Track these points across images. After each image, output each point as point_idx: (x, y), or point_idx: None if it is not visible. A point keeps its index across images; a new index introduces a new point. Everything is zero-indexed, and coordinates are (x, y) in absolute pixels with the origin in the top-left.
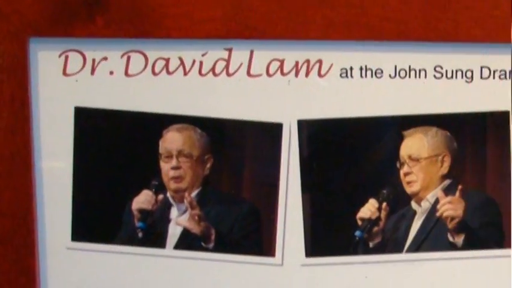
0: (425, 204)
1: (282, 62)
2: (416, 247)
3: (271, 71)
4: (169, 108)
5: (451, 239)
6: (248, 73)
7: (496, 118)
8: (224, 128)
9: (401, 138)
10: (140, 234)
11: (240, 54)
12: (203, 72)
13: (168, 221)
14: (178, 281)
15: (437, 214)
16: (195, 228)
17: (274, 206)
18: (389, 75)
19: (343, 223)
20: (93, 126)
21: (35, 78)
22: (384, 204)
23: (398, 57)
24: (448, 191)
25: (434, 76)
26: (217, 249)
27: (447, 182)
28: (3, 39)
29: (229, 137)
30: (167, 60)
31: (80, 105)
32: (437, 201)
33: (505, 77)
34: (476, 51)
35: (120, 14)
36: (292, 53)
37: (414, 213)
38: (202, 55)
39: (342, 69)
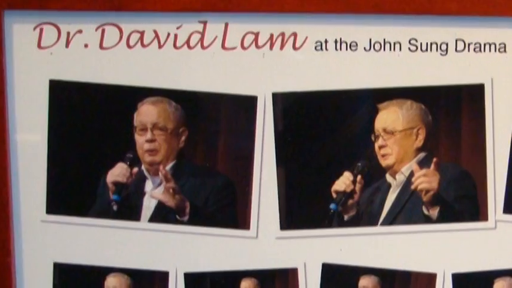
0: (400, 177)
1: (256, 35)
2: (391, 220)
3: (245, 44)
4: (144, 81)
5: (425, 211)
6: (223, 46)
7: (471, 91)
8: (199, 101)
9: (376, 111)
10: (115, 207)
11: (214, 27)
12: (178, 45)
13: (143, 193)
14: (152, 253)
15: (412, 187)
16: (170, 201)
17: (249, 179)
18: (364, 48)
19: (317, 196)
20: (67, 99)
21: (10, 51)
22: (359, 177)
23: (373, 30)
24: (423, 164)
25: (409, 49)
26: (192, 222)
27: (422, 155)
28: None
29: (204, 110)
30: (142, 33)
31: (54, 78)
32: (412, 174)
33: (480, 50)
34: (451, 24)
35: None
36: (267, 26)
37: (389, 186)
38: (177, 28)
39: (316, 42)
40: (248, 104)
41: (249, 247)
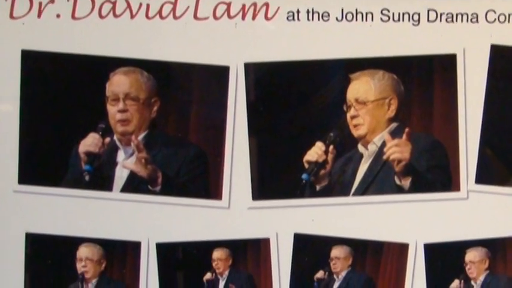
0: (372, 147)
1: (228, 4)
2: (363, 190)
3: (218, 14)
4: (116, 51)
5: (398, 182)
6: (195, 16)
7: (443, 61)
8: (171, 71)
9: (348, 82)
10: (87, 177)
11: None
12: (150, 15)
13: (115, 164)
14: (125, 223)
15: (384, 157)
16: (142, 171)
17: (221, 149)
18: (336, 19)
19: (290, 166)
20: (40, 70)
21: None
22: (331, 147)
23: (345, 1)
24: (395, 134)
25: (381, 19)
26: (164, 192)
27: (394, 125)
28: None
29: (176, 80)
30: (114, 3)
31: (26, 48)
32: (384, 144)
33: (452, 20)
34: None
35: None
36: None
37: (361, 156)
38: None
39: (288, 12)
40: (220, 74)
41: (221, 217)
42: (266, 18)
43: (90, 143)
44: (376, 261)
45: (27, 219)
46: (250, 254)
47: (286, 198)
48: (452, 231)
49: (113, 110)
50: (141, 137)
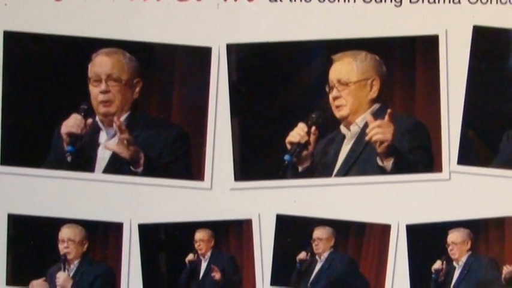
0: (354, 128)
1: None
2: (346, 171)
3: None
4: (99, 33)
5: (380, 163)
6: None
7: (425, 42)
8: (153, 52)
9: (330, 63)
10: (69, 158)
11: None
12: None
13: (97, 145)
14: (107, 204)
15: (367, 138)
16: (124, 152)
17: (203, 130)
18: (319, 0)
19: (272, 147)
20: (22, 50)
21: None
22: (313, 128)
23: None
24: (377, 115)
25: (364, 0)
26: (146, 173)
27: (376, 106)
28: None
29: (158, 61)
30: None
31: (9, 29)
32: (366, 125)
33: (434, 1)
34: None
35: None
36: None
37: (343, 137)
38: None
39: None
40: (202, 55)
41: (203, 198)
42: None
43: (72, 124)
44: (358, 242)
45: (9, 201)
46: (232, 235)
47: (268, 179)
48: (434, 212)
49: (95, 91)
50: (123, 118)
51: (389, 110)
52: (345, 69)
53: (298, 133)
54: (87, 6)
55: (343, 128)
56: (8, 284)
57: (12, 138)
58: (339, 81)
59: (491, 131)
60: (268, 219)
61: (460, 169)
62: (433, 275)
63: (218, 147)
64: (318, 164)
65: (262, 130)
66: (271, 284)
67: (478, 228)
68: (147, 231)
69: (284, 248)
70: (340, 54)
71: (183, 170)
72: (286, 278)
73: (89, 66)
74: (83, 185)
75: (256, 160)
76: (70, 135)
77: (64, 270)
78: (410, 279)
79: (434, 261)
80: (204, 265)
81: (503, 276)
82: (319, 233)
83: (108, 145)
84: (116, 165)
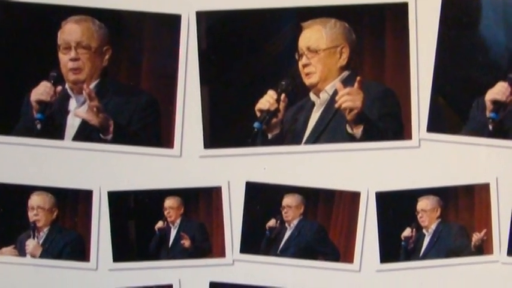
0: (324, 96)
1: None
2: (315, 138)
3: None
4: (68, 0)
5: (349, 130)
6: None
7: (395, 9)
8: (122, 20)
9: (299, 30)
10: (39, 126)
11: None
12: None
13: (67, 112)
14: (76, 172)
15: (336, 105)
16: (94, 120)
17: (172, 98)
18: None
19: (241, 114)
20: None
21: None
22: (283, 95)
23: None
24: (347, 82)
25: None
26: (115, 140)
27: (346, 73)
28: None
29: (128, 29)
30: None
31: None
32: (335, 92)
33: None
34: None
35: None
36: None
37: (313, 104)
38: None
39: None
40: (172, 22)
41: (173, 166)
42: None
43: (41, 91)
44: (328, 209)
45: None
46: (202, 203)
47: (237, 146)
48: (404, 180)
49: (65, 59)
50: (92, 85)
51: (358, 78)
52: (314, 36)
53: (267, 100)
54: None
55: (312, 96)
56: None
57: None
58: (308, 49)
59: (461, 98)
60: (237, 186)
61: (429, 136)
62: (402, 243)
63: (187, 115)
64: (287, 132)
65: (232, 97)
66: (241, 251)
67: (447, 196)
68: (116, 199)
69: (254, 215)
70: (309, 22)
71: (153, 137)
72: (255, 246)
73: (59, 34)
74: (52, 153)
75: (226, 127)
76: (39, 102)
77: (34, 237)
78: (379, 247)
79: (403, 229)
80: (173, 232)
81: (472, 243)
82: (288, 200)
83: (77, 112)
84: (86, 133)
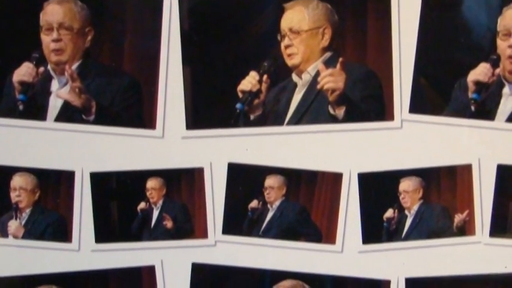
0: (306, 77)
1: None
2: (297, 119)
3: None
4: None
5: (331, 111)
6: None
7: None
8: (105, 1)
9: (282, 11)
10: (21, 107)
11: None
12: None
13: (49, 93)
14: (59, 153)
15: (318, 86)
16: (76, 101)
17: (155, 79)
18: None
19: (224, 96)
20: None
21: None
22: (265, 76)
23: None
24: (329, 63)
25: None
26: (98, 121)
27: (328, 54)
28: None
29: (110, 10)
30: None
31: None
32: (318, 73)
33: None
34: None
35: None
36: None
37: (295, 85)
38: None
39: None
40: (154, 3)
41: (155, 146)
42: None
43: (24, 72)
44: (310, 190)
45: None
46: (184, 184)
47: (220, 127)
48: (386, 161)
49: (47, 40)
50: (75, 66)
51: (340, 59)
52: (296, 17)
53: (249, 81)
54: None
55: (294, 77)
56: None
57: None
58: (290, 30)
59: (443, 79)
60: (219, 167)
61: (411, 117)
62: (384, 224)
63: (170, 96)
64: (269, 113)
65: (214, 79)
66: (223, 232)
67: (429, 177)
68: (98, 180)
69: (236, 196)
70: (291, 3)
71: (135, 118)
72: (237, 227)
73: (41, 15)
74: (34, 134)
75: (208, 109)
76: (22, 83)
77: (16, 218)
78: (361, 228)
79: (386, 210)
80: (155, 213)
81: (454, 224)
82: (270, 181)
83: (59, 93)
84: (68, 114)
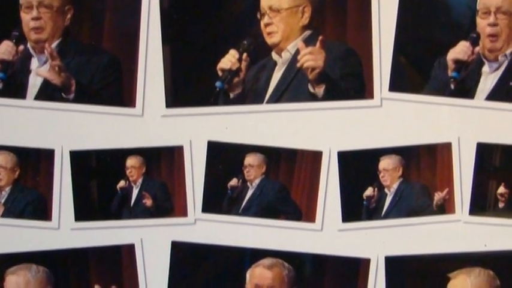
0: (286, 55)
1: None
2: (277, 98)
3: None
4: None
5: (311, 89)
6: None
7: None
8: None
9: None
10: (0, 85)
11: None
12: None
13: (29, 71)
14: (38, 131)
15: (298, 65)
16: (56, 79)
17: (134, 57)
18: None
19: (203, 74)
20: None
21: None
22: (245, 55)
23: None
24: (309, 41)
25: None
26: (77, 99)
27: (308, 32)
28: None
29: None
30: None
31: None
32: (298, 52)
33: None
34: None
35: None
36: None
37: (275, 64)
38: None
39: None
40: None
41: (135, 125)
42: None
43: (3, 50)
44: (290, 168)
45: None
46: (163, 162)
47: (199, 105)
48: (366, 139)
49: (27, 18)
50: (54, 44)
51: (320, 37)
52: None
53: (229, 60)
54: None
55: (274, 55)
56: None
57: None
58: (270, 8)
59: (423, 57)
60: (199, 146)
61: (391, 96)
62: (364, 202)
63: (149, 74)
64: (249, 91)
65: (194, 57)
66: (203, 210)
67: (409, 155)
68: (78, 158)
69: (215, 174)
70: None
71: (115, 96)
72: (217, 205)
73: None
74: (14, 112)
75: (188, 87)
76: (1, 62)
77: None
78: (341, 206)
79: (365, 188)
80: (135, 192)
81: (434, 202)
82: (250, 159)
83: (39, 72)
84: (48, 92)
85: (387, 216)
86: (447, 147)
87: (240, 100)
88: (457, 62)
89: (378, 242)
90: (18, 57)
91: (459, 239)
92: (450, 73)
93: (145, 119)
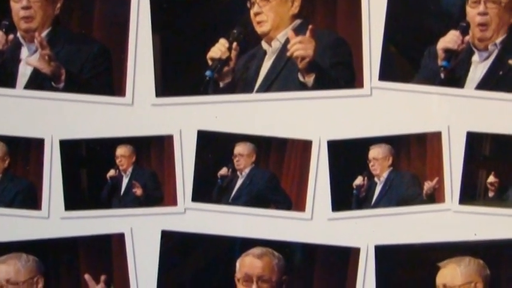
0: (276, 44)
1: None
2: (267, 87)
3: None
4: None
5: (301, 78)
6: None
7: None
8: None
9: None
10: None
11: None
12: None
13: (19, 60)
14: (28, 120)
15: (288, 54)
16: (45, 68)
17: (124, 46)
18: None
19: (193, 63)
20: None
21: None
22: (234, 44)
23: None
24: (299, 30)
25: None
26: (67, 89)
27: (297, 21)
28: None
29: None
30: None
31: None
32: (287, 41)
33: None
34: None
35: None
36: None
37: (264, 53)
38: None
39: None
40: None
41: (125, 114)
42: None
43: None
44: (280, 158)
45: None
46: (153, 151)
47: (189, 95)
48: (355, 128)
49: (16, 7)
50: (44, 33)
51: (310, 26)
52: None
53: (219, 49)
54: None
55: (264, 44)
56: None
57: None
58: None
59: (413, 46)
60: (189, 135)
61: (381, 85)
62: (354, 191)
63: (139, 63)
64: (239, 80)
65: (184, 46)
66: (193, 199)
67: (399, 144)
68: (68, 147)
69: (205, 164)
70: None
71: (105, 85)
72: (207, 194)
73: None
74: (4, 101)
75: (178, 76)
76: None
77: None
78: (331, 195)
79: (355, 177)
80: (125, 181)
81: (424, 192)
82: (240, 148)
83: (29, 61)
84: (37, 81)
85: (377, 205)
86: (437, 136)
87: (230, 89)
88: (447, 51)
89: (368, 231)
90: (8, 47)
91: (449, 228)
92: (440, 62)
93: (135, 108)
